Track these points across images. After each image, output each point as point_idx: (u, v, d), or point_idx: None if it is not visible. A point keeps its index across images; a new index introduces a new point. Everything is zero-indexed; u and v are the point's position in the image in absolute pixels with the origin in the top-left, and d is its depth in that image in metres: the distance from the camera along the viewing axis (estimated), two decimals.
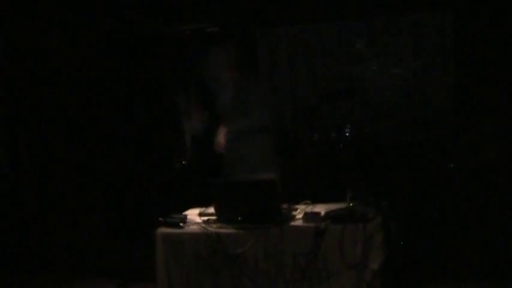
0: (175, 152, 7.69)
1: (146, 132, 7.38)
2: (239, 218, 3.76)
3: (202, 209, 4.08)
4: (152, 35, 7.41)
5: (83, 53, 6.86)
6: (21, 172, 6.64)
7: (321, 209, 3.84)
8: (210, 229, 3.77)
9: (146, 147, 7.33)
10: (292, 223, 3.74)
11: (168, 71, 7.68)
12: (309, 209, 3.90)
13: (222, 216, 3.86)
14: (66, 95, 6.77)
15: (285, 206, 3.85)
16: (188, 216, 4.02)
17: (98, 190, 6.79)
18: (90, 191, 6.75)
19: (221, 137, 4.67)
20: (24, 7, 6.41)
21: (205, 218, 3.95)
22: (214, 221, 3.87)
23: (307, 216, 3.72)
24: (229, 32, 7.63)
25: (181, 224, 3.89)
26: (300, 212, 3.88)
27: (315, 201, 4.08)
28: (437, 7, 7.13)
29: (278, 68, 7.77)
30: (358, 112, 7.31)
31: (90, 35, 6.87)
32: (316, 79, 7.70)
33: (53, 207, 6.57)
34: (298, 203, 4.07)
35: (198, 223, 3.90)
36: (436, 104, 7.38)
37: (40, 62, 6.64)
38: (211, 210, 3.96)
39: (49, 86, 6.66)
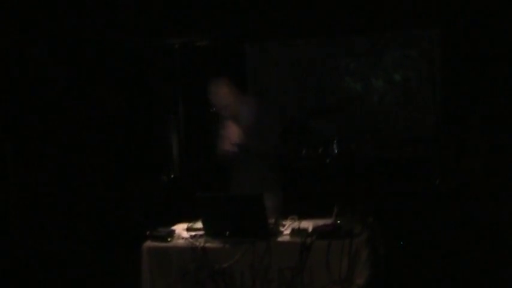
0: (163, 165, 7.69)
1: (134, 145, 7.37)
2: (226, 233, 3.77)
3: (190, 224, 4.08)
4: (141, 48, 7.42)
5: (71, 66, 6.86)
6: (6, 183, 6.60)
7: (308, 224, 3.85)
8: (197, 243, 3.77)
9: (134, 160, 7.32)
10: (279, 238, 3.75)
11: (157, 83, 7.69)
12: (296, 224, 3.91)
13: (209, 231, 3.86)
14: (53, 106, 6.75)
15: (271, 221, 3.85)
16: (176, 231, 4.02)
17: (84, 203, 6.76)
18: (77, 204, 6.72)
19: (227, 143, 4.57)
20: (14, 15, 6.41)
21: (193, 232, 3.94)
22: (202, 236, 3.88)
23: (293, 231, 3.73)
24: (218, 47, 7.67)
25: (168, 239, 3.89)
26: (286, 227, 3.90)
27: (302, 216, 4.09)
28: (425, 24, 7.20)
29: (267, 83, 7.81)
30: (346, 128, 7.35)
31: (78, 48, 6.87)
32: (304, 95, 7.74)
33: (38, 219, 6.53)
34: (285, 218, 4.09)
35: (184, 237, 3.90)
36: (423, 121, 7.43)
37: (28, 73, 6.63)
38: (200, 224, 3.96)
39: (37, 97, 6.65)
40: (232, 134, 4.56)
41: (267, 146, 4.50)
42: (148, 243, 3.92)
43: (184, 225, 4.10)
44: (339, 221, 3.73)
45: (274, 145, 4.59)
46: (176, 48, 7.69)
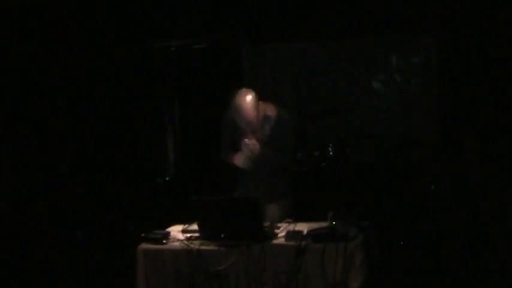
0: (159, 168, 7.69)
1: (130, 148, 7.36)
2: (221, 236, 3.77)
3: (186, 226, 4.08)
4: (138, 50, 7.42)
5: (68, 67, 6.85)
6: (2, 184, 6.59)
7: (303, 227, 3.86)
8: (192, 246, 3.77)
9: (129, 163, 7.31)
10: (274, 241, 3.75)
11: (153, 86, 7.69)
12: (291, 227, 3.92)
13: (204, 233, 3.87)
14: (49, 109, 6.75)
15: (266, 224, 3.86)
16: (171, 233, 4.02)
17: (79, 205, 6.75)
18: (72, 206, 6.71)
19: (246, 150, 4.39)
20: (13, 15, 6.40)
21: (188, 234, 3.95)
22: (197, 238, 3.88)
23: (288, 234, 3.73)
24: (215, 50, 7.67)
25: (163, 241, 3.89)
26: (281, 230, 3.90)
27: (297, 219, 4.09)
28: (421, 27, 7.20)
29: (262, 87, 7.80)
30: (341, 131, 7.35)
31: (75, 49, 6.87)
32: (300, 98, 7.74)
33: (33, 222, 6.52)
34: (280, 221, 4.09)
35: (180, 240, 3.90)
36: (419, 124, 7.44)
37: (26, 74, 6.62)
38: (195, 227, 3.96)
39: (34, 96, 6.64)
40: (249, 150, 4.35)
41: (282, 159, 4.41)
42: (144, 246, 3.92)
43: (180, 227, 4.10)
44: (333, 225, 3.73)
45: (290, 157, 4.48)
46: (173, 51, 7.69)
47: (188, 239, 3.87)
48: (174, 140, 7.81)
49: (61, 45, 6.78)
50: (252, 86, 7.75)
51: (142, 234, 3.96)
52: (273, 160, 4.36)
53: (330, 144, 6.82)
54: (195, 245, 3.78)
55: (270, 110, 4.41)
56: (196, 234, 3.90)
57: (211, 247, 3.76)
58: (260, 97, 4.35)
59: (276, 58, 7.85)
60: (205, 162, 7.26)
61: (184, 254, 3.77)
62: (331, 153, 6.82)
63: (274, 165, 4.39)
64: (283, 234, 3.80)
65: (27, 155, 6.62)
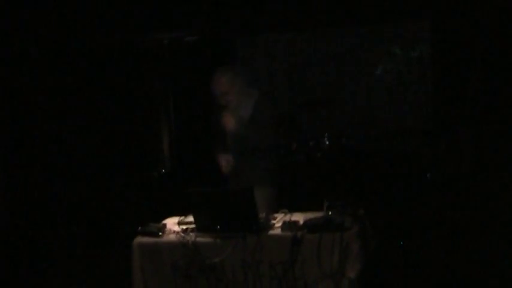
0: (154, 161, 7.68)
1: (125, 141, 7.35)
2: (217, 227, 3.76)
3: (181, 218, 4.07)
4: (131, 44, 7.40)
5: (61, 63, 6.83)
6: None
7: (299, 217, 3.85)
8: (188, 238, 3.76)
9: (125, 156, 7.30)
10: (270, 232, 3.74)
11: (147, 80, 7.67)
12: (287, 217, 3.91)
13: (200, 225, 3.85)
14: (45, 106, 6.73)
15: (262, 215, 3.84)
16: (167, 225, 4.01)
17: (75, 199, 6.75)
18: (68, 200, 6.70)
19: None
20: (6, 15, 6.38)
21: (184, 226, 3.94)
22: (193, 230, 3.87)
23: (284, 225, 3.72)
24: (208, 42, 7.65)
25: (159, 233, 3.88)
26: (277, 221, 3.89)
27: (293, 210, 4.08)
28: (415, 17, 7.21)
29: (257, 77, 7.80)
30: (337, 121, 7.35)
31: (68, 45, 6.85)
32: (295, 88, 7.74)
33: (29, 216, 6.51)
34: (276, 211, 4.08)
35: (176, 232, 3.89)
36: (414, 113, 7.45)
37: (18, 72, 6.60)
38: (191, 218, 3.95)
39: (27, 96, 6.63)
40: (226, 125, 4.40)
41: (263, 140, 4.40)
42: (140, 239, 3.91)
43: (176, 219, 4.09)
44: (329, 214, 3.73)
45: (271, 139, 4.49)
46: (165, 44, 7.67)
47: (184, 231, 3.86)
48: (169, 133, 7.81)
49: (55, 43, 6.76)
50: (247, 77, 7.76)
51: (139, 228, 3.95)
52: (252, 137, 4.38)
53: (326, 134, 6.82)
54: (191, 237, 3.77)
55: (254, 94, 4.50)
56: (192, 226, 3.89)
57: (207, 239, 3.75)
58: (252, 85, 4.47)
59: (271, 48, 7.85)
60: (200, 155, 7.25)
61: (180, 246, 3.76)
62: (326, 143, 6.82)
63: (255, 142, 4.39)
64: (279, 225, 3.79)
65: (23, 150, 6.61)
